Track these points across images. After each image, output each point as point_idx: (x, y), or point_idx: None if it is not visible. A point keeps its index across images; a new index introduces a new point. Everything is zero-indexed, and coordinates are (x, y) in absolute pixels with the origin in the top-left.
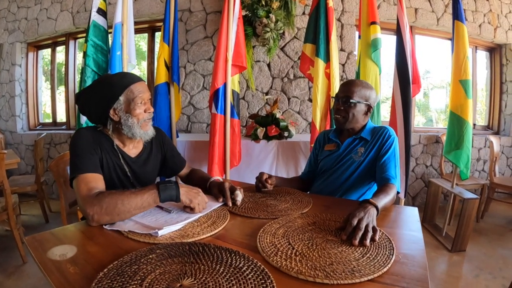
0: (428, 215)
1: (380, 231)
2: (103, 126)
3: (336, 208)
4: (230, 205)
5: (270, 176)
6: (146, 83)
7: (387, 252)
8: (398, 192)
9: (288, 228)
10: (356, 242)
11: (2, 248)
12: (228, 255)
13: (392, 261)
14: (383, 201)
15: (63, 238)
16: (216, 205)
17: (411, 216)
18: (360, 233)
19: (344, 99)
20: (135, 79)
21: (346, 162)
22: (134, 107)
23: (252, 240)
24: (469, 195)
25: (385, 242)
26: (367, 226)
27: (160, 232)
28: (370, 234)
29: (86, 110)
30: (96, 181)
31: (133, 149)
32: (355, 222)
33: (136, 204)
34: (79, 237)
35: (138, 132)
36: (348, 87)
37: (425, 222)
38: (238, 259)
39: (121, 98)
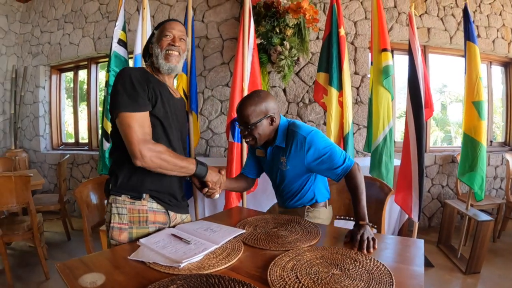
0: (443, 236)
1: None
2: (148, 64)
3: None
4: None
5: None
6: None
7: None
8: (353, 163)
9: (297, 262)
10: (365, 250)
11: (25, 264)
12: (241, 287)
13: None
14: (363, 209)
15: (92, 266)
16: (231, 236)
17: (415, 248)
18: (365, 244)
19: (243, 126)
20: (172, 19)
21: (277, 171)
22: (161, 38)
23: (263, 273)
24: (483, 217)
25: (385, 278)
26: (368, 237)
27: (182, 266)
28: (371, 243)
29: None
30: (148, 125)
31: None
32: (359, 237)
33: (180, 167)
34: (107, 265)
35: (162, 63)
36: (242, 113)
37: (441, 243)
38: None
39: (156, 31)
